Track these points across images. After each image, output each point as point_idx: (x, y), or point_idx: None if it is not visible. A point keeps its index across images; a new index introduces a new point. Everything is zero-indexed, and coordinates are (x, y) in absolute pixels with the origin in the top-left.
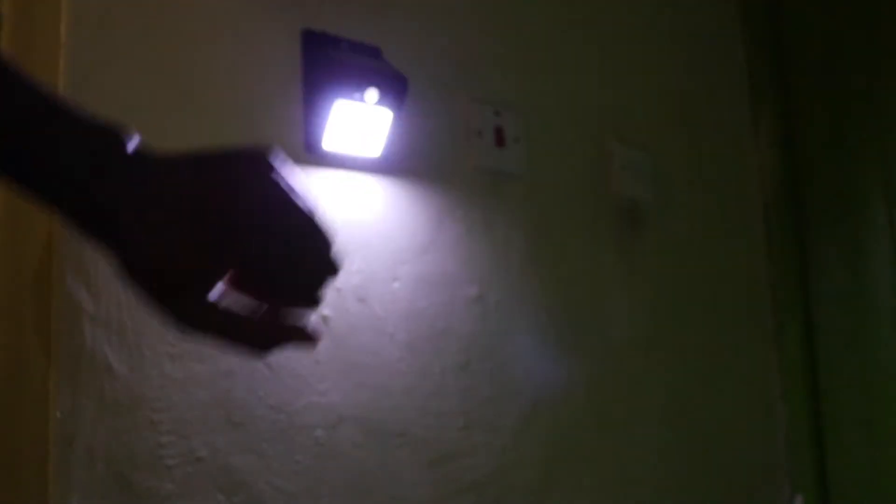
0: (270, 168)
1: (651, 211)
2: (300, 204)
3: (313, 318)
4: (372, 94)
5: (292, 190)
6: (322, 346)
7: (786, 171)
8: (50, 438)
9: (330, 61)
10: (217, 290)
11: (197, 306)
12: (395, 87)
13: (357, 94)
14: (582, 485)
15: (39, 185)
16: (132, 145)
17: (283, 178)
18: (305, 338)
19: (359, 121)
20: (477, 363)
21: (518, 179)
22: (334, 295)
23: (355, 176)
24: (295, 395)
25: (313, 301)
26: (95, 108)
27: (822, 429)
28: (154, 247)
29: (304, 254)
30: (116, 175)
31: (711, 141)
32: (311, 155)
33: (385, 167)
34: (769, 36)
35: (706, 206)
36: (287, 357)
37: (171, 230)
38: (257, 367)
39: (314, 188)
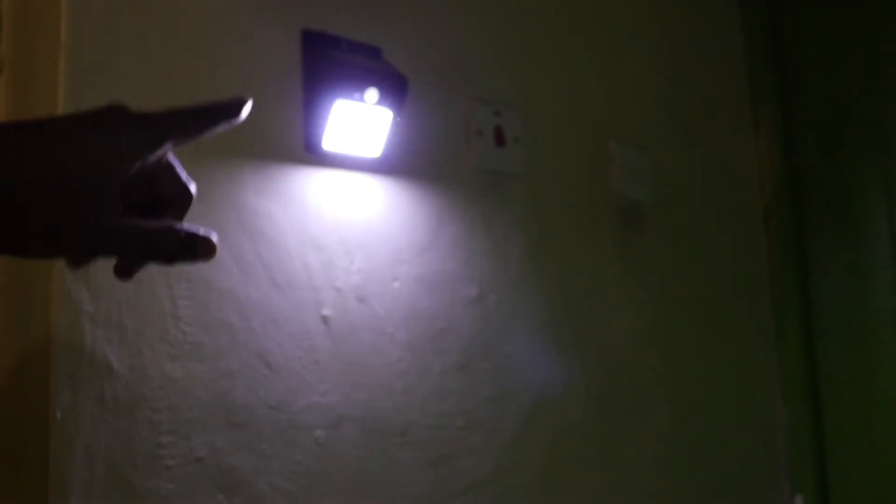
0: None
1: (651, 211)
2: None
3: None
4: (372, 94)
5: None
6: (322, 346)
7: (786, 171)
8: (50, 438)
9: (330, 61)
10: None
11: (106, 220)
12: (395, 87)
13: (357, 94)
14: (582, 484)
15: None
16: None
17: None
18: (207, 246)
19: (359, 121)
20: (477, 363)
21: (518, 179)
22: (334, 295)
23: (355, 176)
24: (295, 395)
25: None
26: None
27: (822, 429)
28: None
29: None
30: None
31: (711, 141)
32: (310, 155)
33: (385, 167)
34: (769, 36)
35: (706, 206)
36: (287, 357)
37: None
38: (257, 367)
39: (314, 188)
